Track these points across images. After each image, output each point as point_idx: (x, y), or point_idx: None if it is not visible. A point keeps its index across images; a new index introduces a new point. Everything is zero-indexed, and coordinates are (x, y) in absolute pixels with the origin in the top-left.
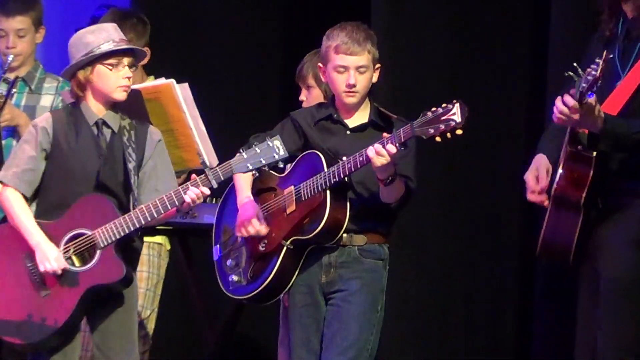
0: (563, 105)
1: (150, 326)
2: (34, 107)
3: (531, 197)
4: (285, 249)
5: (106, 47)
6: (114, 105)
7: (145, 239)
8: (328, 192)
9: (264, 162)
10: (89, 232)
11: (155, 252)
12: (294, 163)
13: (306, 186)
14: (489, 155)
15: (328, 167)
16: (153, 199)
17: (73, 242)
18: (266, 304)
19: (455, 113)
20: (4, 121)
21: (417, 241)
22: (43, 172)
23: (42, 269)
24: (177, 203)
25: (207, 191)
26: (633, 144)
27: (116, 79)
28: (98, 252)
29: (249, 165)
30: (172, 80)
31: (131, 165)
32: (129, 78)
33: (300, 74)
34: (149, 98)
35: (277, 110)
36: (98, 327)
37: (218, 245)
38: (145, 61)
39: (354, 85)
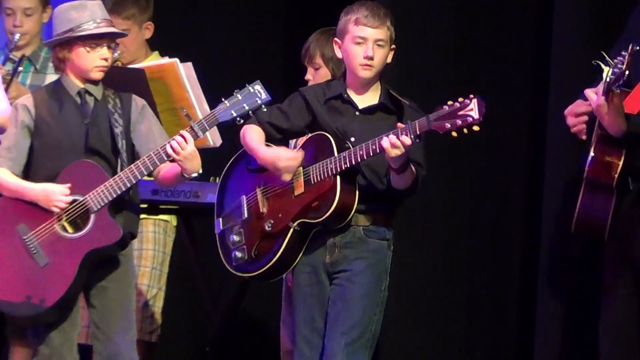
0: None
1: (158, 305)
2: (39, 87)
3: (572, 120)
4: (292, 230)
5: (86, 27)
6: (93, 81)
7: (151, 216)
8: (338, 177)
9: (247, 107)
10: (80, 198)
11: (161, 229)
12: (302, 143)
13: (316, 169)
14: (494, 141)
15: (338, 150)
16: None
17: (65, 210)
18: (269, 281)
19: (473, 109)
20: (11, 99)
21: (420, 231)
22: (32, 149)
23: (55, 210)
24: (164, 157)
25: (189, 136)
26: None
27: (93, 60)
28: (92, 216)
29: (232, 112)
30: (176, 60)
31: (118, 130)
32: (106, 59)
33: (307, 53)
34: (152, 77)
35: (280, 90)
36: (96, 304)
37: (220, 219)
38: (148, 36)
39: (372, 58)
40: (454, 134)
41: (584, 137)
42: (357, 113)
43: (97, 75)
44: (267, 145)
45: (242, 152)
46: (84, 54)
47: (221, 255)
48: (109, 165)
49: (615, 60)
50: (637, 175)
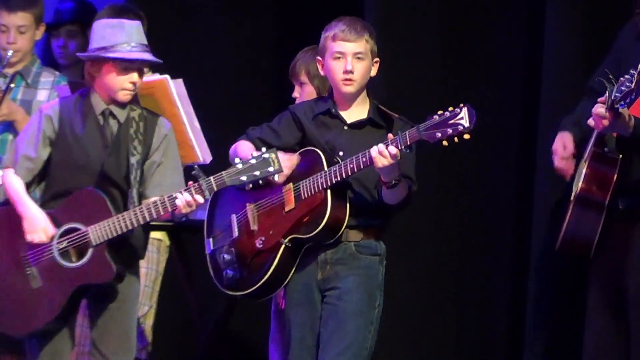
0: (594, 112)
1: (149, 322)
2: (30, 102)
3: (559, 163)
4: (283, 246)
5: (120, 49)
6: (119, 103)
7: None
8: (329, 191)
9: (258, 175)
10: (82, 228)
11: (154, 247)
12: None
13: (306, 184)
14: (483, 154)
15: (328, 165)
16: (156, 194)
17: (67, 237)
18: (261, 300)
19: (463, 117)
20: (2, 116)
21: (408, 241)
22: (48, 161)
23: (29, 239)
24: (169, 208)
25: (201, 199)
26: None
27: (121, 82)
28: (90, 250)
29: (243, 178)
30: (167, 76)
31: (134, 159)
32: (134, 83)
33: (293, 71)
34: (143, 94)
35: (270, 107)
36: (97, 324)
37: (210, 239)
38: None
39: (351, 72)
40: (445, 143)
41: (568, 179)
42: (346, 127)
43: (124, 98)
44: None
45: None
46: (113, 75)
47: (212, 275)
48: (121, 194)
49: (622, 79)
50: (626, 194)
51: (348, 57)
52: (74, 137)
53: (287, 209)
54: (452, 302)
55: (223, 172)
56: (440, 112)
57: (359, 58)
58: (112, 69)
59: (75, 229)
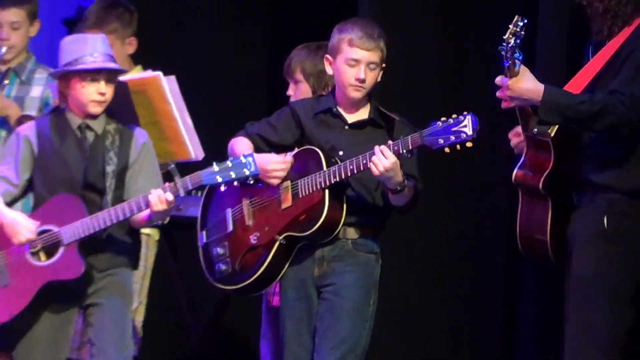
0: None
1: (139, 319)
2: (23, 98)
3: (514, 141)
4: (277, 243)
5: (83, 61)
6: (94, 115)
7: None
8: (327, 191)
9: (234, 176)
10: (55, 229)
11: (143, 243)
12: (290, 156)
13: (304, 183)
14: (478, 155)
15: (327, 164)
16: (133, 197)
17: (39, 238)
18: (250, 295)
19: (467, 125)
20: None
21: (403, 240)
22: (32, 180)
23: (16, 242)
24: (143, 206)
25: (170, 197)
26: (579, 115)
27: (89, 94)
28: (61, 248)
29: (218, 177)
30: (159, 73)
31: (110, 169)
32: (103, 94)
33: (288, 69)
34: (135, 90)
35: (264, 104)
36: (92, 322)
37: (204, 232)
38: (131, 51)
39: (364, 81)
40: (447, 150)
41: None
42: (347, 127)
43: (94, 109)
44: None
45: None
46: (81, 88)
47: (203, 268)
48: (99, 200)
49: (504, 37)
50: (580, 189)
51: (362, 65)
52: (54, 152)
53: (283, 206)
54: (445, 301)
55: (199, 172)
56: (443, 118)
57: (371, 68)
58: (79, 81)
59: (47, 231)
